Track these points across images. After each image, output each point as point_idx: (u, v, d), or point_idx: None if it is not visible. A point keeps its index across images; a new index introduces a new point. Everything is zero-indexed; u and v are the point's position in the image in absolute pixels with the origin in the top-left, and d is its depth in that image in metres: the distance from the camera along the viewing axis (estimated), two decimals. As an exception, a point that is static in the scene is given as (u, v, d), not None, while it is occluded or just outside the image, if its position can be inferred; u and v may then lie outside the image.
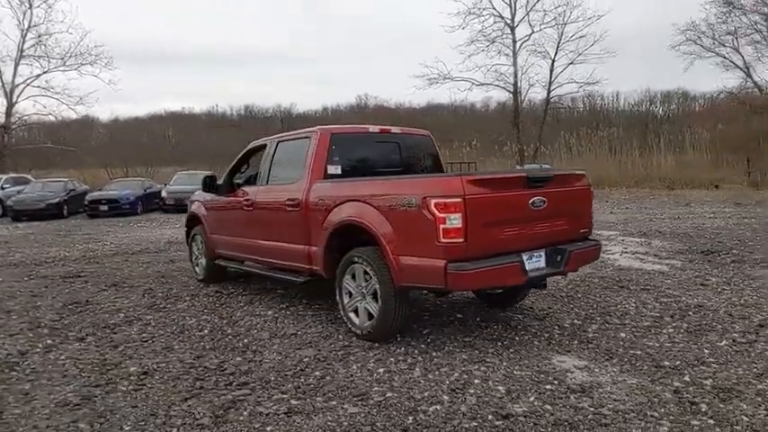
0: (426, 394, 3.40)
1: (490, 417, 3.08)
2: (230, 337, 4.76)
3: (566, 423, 2.98)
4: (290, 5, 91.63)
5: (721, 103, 27.94)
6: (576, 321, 4.86)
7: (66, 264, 8.99)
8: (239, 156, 6.48)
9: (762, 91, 28.31)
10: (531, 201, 4.08)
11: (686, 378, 3.55)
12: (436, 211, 3.74)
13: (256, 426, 3.07)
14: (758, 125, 24.64)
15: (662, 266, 7.17)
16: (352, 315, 4.57)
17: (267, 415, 3.20)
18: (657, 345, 4.19)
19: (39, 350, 4.57)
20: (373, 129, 5.50)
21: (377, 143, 5.46)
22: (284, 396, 3.45)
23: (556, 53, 26.84)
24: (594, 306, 5.32)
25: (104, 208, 18.46)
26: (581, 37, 25.88)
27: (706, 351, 4.02)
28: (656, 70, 58.18)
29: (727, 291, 5.71)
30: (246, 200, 5.84)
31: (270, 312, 5.49)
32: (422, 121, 41.55)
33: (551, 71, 27.12)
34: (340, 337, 4.60)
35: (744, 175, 23.04)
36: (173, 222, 16.18)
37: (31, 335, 5.00)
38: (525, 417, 3.07)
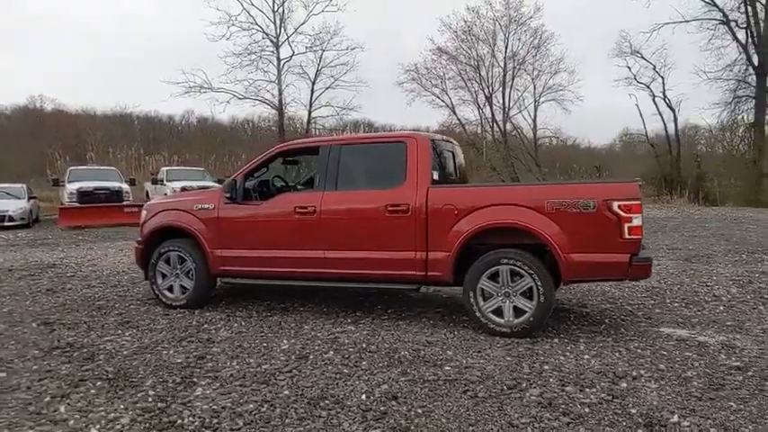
0: (663, 366, 3.99)
1: (733, 371, 3.88)
2: (370, 353, 4.36)
3: (777, 366, 3.99)
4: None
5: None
6: (612, 306, 5.94)
7: None
8: (260, 160, 5.70)
9: (465, 128, 35.24)
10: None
11: (776, 332, 4.90)
12: (621, 212, 4.37)
13: (619, 411, 3.23)
14: (471, 156, 30.73)
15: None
16: (492, 315, 4.74)
17: (591, 405, 3.34)
18: (708, 313, 5.49)
19: (162, 406, 3.45)
20: (445, 138, 5.66)
21: (446, 151, 5.64)
22: (566, 389, 3.58)
23: (316, 77, 28.50)
24: (599, 294, 6.50)
25: None
26: (340, 64, 28.11)
27: (739, 317, 5.44)
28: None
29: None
30: (301, 207, 5.26)
31: (351, 327, 5.10)
32: (110, 129, 38.26)
33: (312, 93, 28.66)
34: (482, 338, 4.71)
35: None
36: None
37: (125, 399, 3.66)
38: (743, 366, 3.95)
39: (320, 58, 28.07)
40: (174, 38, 60.97)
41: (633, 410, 3.24)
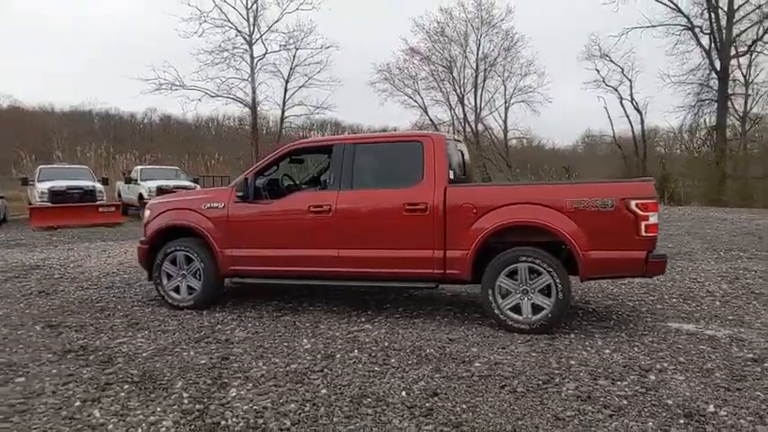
0: (683, 359, 4.13)
1: (750, 363, 4.05)
2: (395, 351, 4.37)
3: (789, 358, 4.17)
4: None
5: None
6: (615, 302, 6.10)
7: None
8: (271, 158, 5.65)
9: (436, 127, 35.52)
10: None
11: (774, 327, 5.10)
12: (638, 210, 4.50)
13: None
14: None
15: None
16: (510, 313, 4.81)
17: (627, 397, 3.44)
18: (707, 308, 5.68)
19: (201, 408, 3.40)
20: (455, 137, 5.72)
21: (456, 150, 5.70)
22: (598, 382, 3.69)
23: (289, 75, 28.24)
24: (598, 291, 6.66)
25: None
26: (314, 63, 27.92)
27: (737, 311, 5.64)
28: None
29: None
30: (316, 206, 5.24)
31: (368, 326, 5.11)
32: (73, 128, 36.94)
33: (285, 91, 28.38)
34: (501, 334, 4.78)
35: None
36: None
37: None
38: (758, 358, 4.12)
39: (294, 56, 27.90)
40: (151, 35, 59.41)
41: (669, 401, 3.35)
